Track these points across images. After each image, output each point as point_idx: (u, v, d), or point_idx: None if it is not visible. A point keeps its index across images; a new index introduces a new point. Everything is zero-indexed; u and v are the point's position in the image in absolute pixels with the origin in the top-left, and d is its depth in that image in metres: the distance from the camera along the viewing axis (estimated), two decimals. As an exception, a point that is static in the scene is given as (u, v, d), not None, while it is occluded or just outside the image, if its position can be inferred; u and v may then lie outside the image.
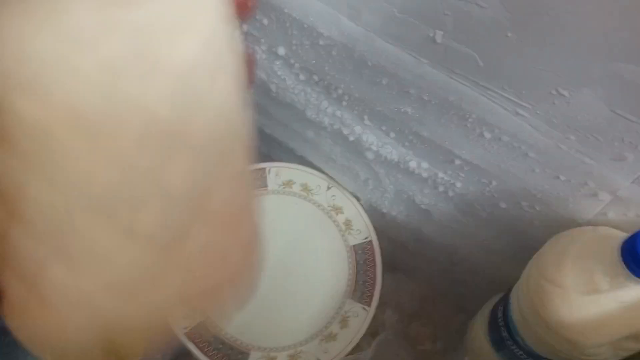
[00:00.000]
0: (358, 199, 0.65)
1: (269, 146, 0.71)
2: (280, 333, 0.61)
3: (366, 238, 0.65)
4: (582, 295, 0.37)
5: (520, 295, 0.44)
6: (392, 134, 0.50)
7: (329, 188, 0.66)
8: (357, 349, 0.61)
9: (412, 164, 0.51)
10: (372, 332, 0.65)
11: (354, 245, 0.65)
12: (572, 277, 0.38)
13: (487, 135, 0.42)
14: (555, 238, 0.42)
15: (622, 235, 0.35)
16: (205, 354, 0.58)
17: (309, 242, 0.65)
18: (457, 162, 0.47)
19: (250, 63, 0.25)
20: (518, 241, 0.50)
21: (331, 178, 0.66)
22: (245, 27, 0.52)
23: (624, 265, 0.34)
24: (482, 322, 0.54)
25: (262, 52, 0.54)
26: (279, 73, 0.54)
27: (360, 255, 0.64)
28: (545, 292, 0.39)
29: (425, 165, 0.51)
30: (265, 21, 0.49)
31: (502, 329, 0.48)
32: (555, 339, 0.40)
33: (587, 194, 0.40)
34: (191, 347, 0.58)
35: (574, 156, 0.38)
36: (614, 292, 0.35)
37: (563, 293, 0.38)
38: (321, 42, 0.46)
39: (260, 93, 0.60)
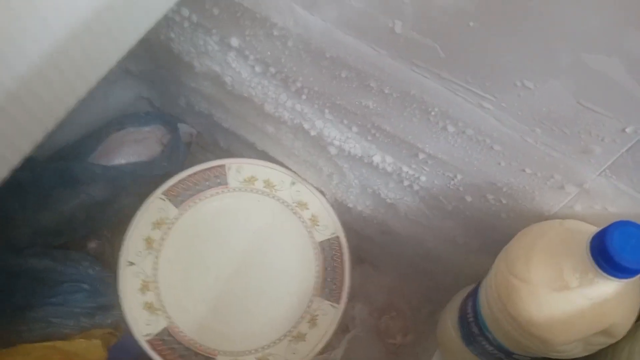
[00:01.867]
0: (323, 193, 0.63)
1: (228, 141, 0.68)
2: (247, 336, 0.59)
3: (333, 234, 0.63)
4: (551, 292, 0.36)
5: (489, 291, 0.43)
6: (355, 128, 0.48)
7: (293, 183, 0.64)
8: (327, 347, 0.60)
9: (376, 159, 0.49)
10: (342, 329, 0.63)
11: (320, 242, 0.63)
12: (540, 273, 0.37)
13: (451, 128, 0.40)
14: (523, 232, 0.41)
15: (590, 230, 0.35)
16: (169, 362, 0.56)
17: (274, 240, 0.63)
18: (421, 155, 0.45)
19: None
20: (485, 234, 0.49)
21: (295, 173, 0.63)
22: (194, 17, 0.49)
23: (593, 262, 0.33)
24: (452, 315, 0.53)
25: (215, 44, 0.50)
26: (233, 65, 0.51)
27: (328, 251, 0.63)
28: (513, 288, 0.38)
29: (389, 159, 0.49)
30: (216, 11, 0.46)
31: (471, 324, 0.47)
32: (524, 336, 0.39)
33: (553, 186, 0.39)
34: (153, 355, 0.56)
35: (540, 149, 0.37)
36: (584, 288, 0.34)
37: (531, 289, 0.37)
38: (275, 33, 0.44)
39: (215, 86, 0.57)
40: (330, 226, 0.63)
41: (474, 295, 0.47)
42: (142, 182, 0.62)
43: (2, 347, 0.52)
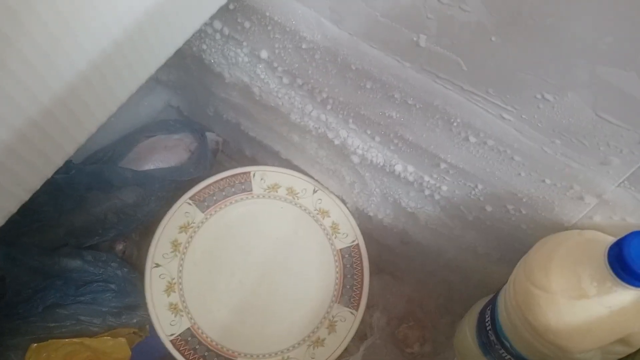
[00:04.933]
0: (344, 202, 0.64)
1: (253, 149, 0.70)
2: (267, 339, 0.60)
3: (353, 241, 0.64)
4: (570, 300, 0.37)
5: (507, 299, 0.43)
6: (378, 138, 0.50)
7: (315, 191, 0.65)
8: (345, 353, 0.61)
9: (398, 168, 0.51)
10: (360, 336, 0.64)
11: (340, 249, 0.64)
12: (559, 281, 0.38)
13: (472, 139, 0.41)
14: (542, 242, 0.41)
15: (609, 240, 0.35)
16: (191, 362, 0.57)
17: (295, 246, 0.65)
18: (443, 165, 0.47)
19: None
20: (505, 244, 0.50)
21: (317, 181, 0.65)
22: (226, 30, 0.51)
23: (611, 271, 0.33)
24: (470, 324, 0.54)
25: (245, 56, 0.53)
26: (261, 76, 0.53)
27: (347, 259, 0.64)
28: (532, 296, 0.39)
29: (411, 168, 0.50)
30: (247, 24, 0.48)
31: (489, 333, 0.48)
32: (542, 344, 0.39)
33: (572, 197, 0.40)
34: (176, 354, 0.57)
35: (560, 160, 0.37)
36: (602, 297, 0.35)
37: (550, 298, 0.38)
38: (304, 46, 0.45)
39: (243, 96, 0.59)
40: (350, 234, 0.64)
41: (492, 303, 0.48)
42: (170, 187, 0.64)
43: (34, 341, 0.54)
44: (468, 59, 0.36)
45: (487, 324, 0.48)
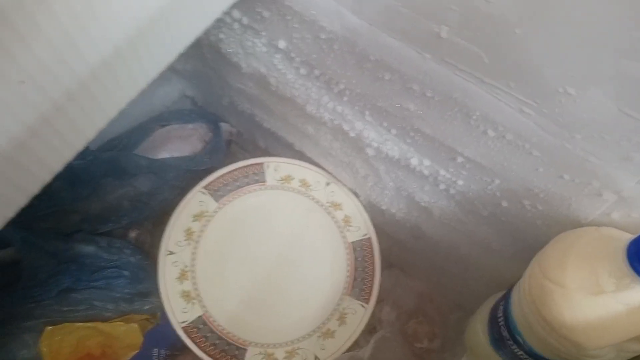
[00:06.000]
0: (357, 195, 0.64)
1: (267, 140, 0.70)
2: (278, 329, 0.61)
3: (365, 235, 0.64)
4: (586, 296, 0.37)
5: (522, 295, 0.43)
6: (394, 131, 0.50)
7: (328, 184, 0.65)
8: (354, 346, 0.61)
9: (414, 161, 0.51)
10: (369, 329, 0.64)
11: (352, 242, 0.64)
12: (575, 277, 0.37)
13: (491, 133, 0.41)
14: (559, 237, 0.41)
15: (628, 237, 0.35)
16: (202, 349, 0.58)
17: (308, 238, 0.65)
18: (460, 159, 0.46)
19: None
20: (519, 241, 0.50)
21: (330, 174, 0.65)
22: (245, 19, 0.51)
23: (630, 267, 0.33)
24: (482, 320, 0.54)
25: (262, 46, 0.53)
26: (279, 67, 0.53)
27: (359, 252, 0.64)
28: (547, 292, 0.39)
29: (427, 162, 0.50)
30: (266, 14, 0.48)
31: (502, 328, 0.47)
32: (556, 340, 0.39)
33: (591, 193, 0.39)
34: (188, 342, 0.58)
35: (579, 155, 0.37)
36: (619, 293, 0.35)
37: (566, 293, 0.38)
38: (323, 36, 0.45)
39: (259, 87, 0.59)
40: (362, 227, 0.64)
41: (505, 299, 0.48)
42: (184, 176, 0.64)
43: (48, 324, 0.55)
44: (490, 51, 0.35)
45: (499, 320, 0.48)
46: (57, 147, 0.32)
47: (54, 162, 0.32)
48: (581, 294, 0.37)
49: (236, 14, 0.51)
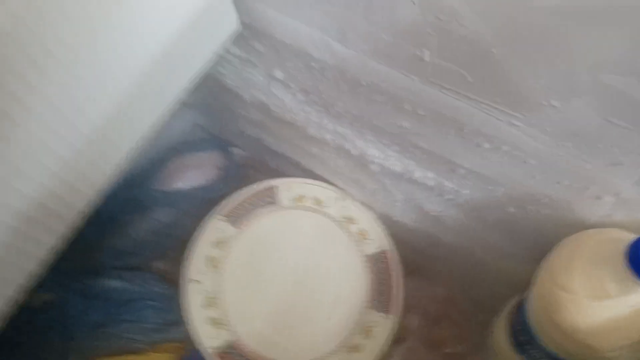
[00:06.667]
0: (370, 208, 0.65)
1: (276, 161, 0.71)
2: (304, 347, 0.62)
3: (381, 247, 0.65)
4: (593, 301, 0.37)
5: (534, 301, 0.43)
6: (394, 147, 0.51)
7: (339, 200, 0.66)
8: (382, 358, 0.62)
9: (417, 174, 0.51)
10: (396, 339, 0.65)
11: (369, 255, 0.65)
12: (581, 282, 0.38)
13: (486, 145, 0.42)
14: (563, 243, 0.41)
15: (629, 238, 0.35)
16: (231, 372, 0.60)
17: (325, 254, 0.66)
18: (461, 171, 0.47)
19: None
20: (531, 244, 0.50)
21: (341, 190, 0.66)
22: (243, 54, 0.53)
23: (630, 270, 0.33)
24: (503, 324, 0.54)
25: (260, 76, 0.54)
26: (277, 94, 0.55)
27: (377, 264, 0.65)
28: (557, 298, 0.39)
29: (430, 175, 0.51)
30: (261, 47, 0.50)
31: (520, 333, 0.48)
32: (571, 343, 0.39)
33: (591, 197, 0.39)
34: (217, 366, 0.60)
35: (573, 162, 0.37)
36: (623, 297, 0.35)
37: (574, 299, 0.38)
38: (314, 65, 0.47)
39: (262, 113, 0.60)
40: (377, 240, 0.65)
41: (521, 304, 0.48)
42: (201, 204, 0.66)
43: (84, 360, 0.58)
44: (472, 70, 0.36)
45: (516, 325, 0.48)
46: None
47: (59, 226, 0.35)
48: (589, 299, 0.37)
49: (234, 49, 0.53)
